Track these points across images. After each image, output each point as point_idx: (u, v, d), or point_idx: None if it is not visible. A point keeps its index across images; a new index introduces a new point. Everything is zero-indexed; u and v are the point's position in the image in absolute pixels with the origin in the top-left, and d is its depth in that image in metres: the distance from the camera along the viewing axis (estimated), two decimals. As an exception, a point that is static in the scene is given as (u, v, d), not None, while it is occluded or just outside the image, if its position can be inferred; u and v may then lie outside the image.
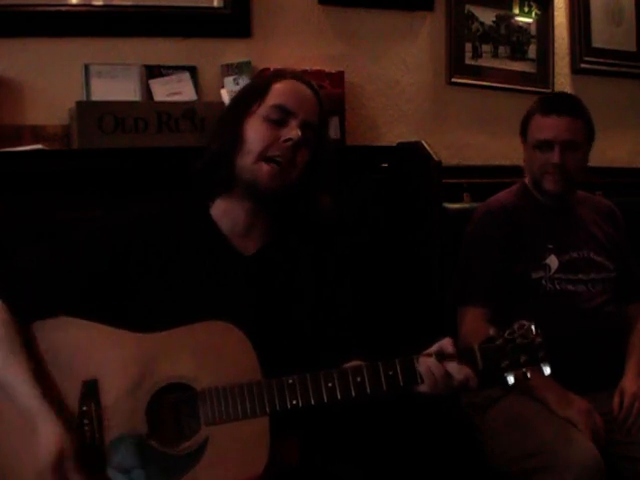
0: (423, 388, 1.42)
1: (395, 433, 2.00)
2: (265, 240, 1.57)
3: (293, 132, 1.48)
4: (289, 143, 1.48)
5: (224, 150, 1.50)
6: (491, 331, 1.46)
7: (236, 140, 1.50)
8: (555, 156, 2.06)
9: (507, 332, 1.45)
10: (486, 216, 2.15)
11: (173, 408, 1.40)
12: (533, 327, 1.45)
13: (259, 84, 1.59)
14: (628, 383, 1.99)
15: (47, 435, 1.33)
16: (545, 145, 2.09)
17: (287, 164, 1.49)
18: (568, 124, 2.08)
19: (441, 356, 1.42)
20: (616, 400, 1.96)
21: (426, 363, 1.40)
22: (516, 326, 1.46)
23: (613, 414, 1.94)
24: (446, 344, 1.43)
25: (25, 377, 1.37)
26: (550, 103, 2.15)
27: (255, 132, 1.49)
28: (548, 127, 2.09)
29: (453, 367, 1.40)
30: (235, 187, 1.52)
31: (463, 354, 1.43)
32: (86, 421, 1.37)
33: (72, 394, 1.38)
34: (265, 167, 1.47)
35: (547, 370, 1.44)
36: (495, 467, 1.93)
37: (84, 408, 1.37)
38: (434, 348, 1.44)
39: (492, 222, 2.13)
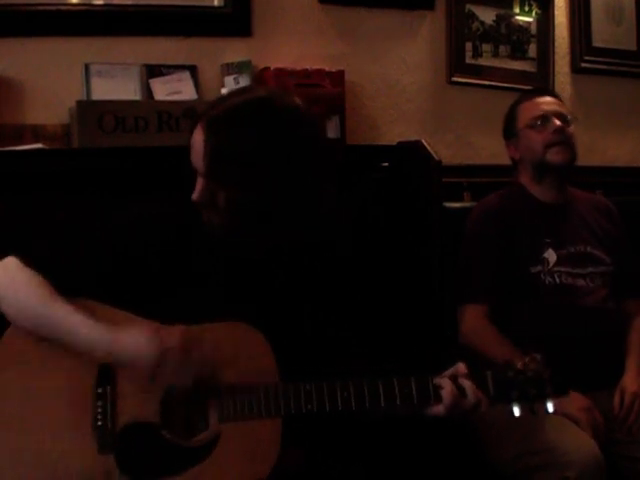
0: (439, 410, 1.43)
1: (394, 432, 2.00)
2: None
3: (195, 192, 1.46)
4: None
5: None
6: (504, 362, 1.49)
7: None
8: (555, 123, 2.13)
9: (519, 364, 1.47)
10: (482, 214, 2.17)
11: (188, 401, 1.40)
12: (543, 361, 1.48)
13: None
14: (628, 382, 1.99)
15: (135, 340, 1.34)
16: (541, 120, 2.15)
17: (207, 212, 1.46)
18: (554, 101, 2.20)
19: (455, 379, 1.44)
20: (616, 399, 1.96)
21: (444, 384, 1.43)
22: (528, 359, 1.48)
23: (613, 413, 1.95)
24: (460, 369, 1.46)
25: (76, 315, 1.38)
26: (529, 92, 2.28)
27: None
28: (538, 105, 2.18)
29: (469, 387, 1.42)
30: None
31: (476, 379, 1.45)
32: (99, 403, 1.37)
33: (88, 374, 1.39)
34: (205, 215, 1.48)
35: (550, 408, 1.46)
36: (495, 466, 1.93)
37: (99, 390, 1.38)
38: (449, 372, 1.46)
39: (489, 219, 2.14)
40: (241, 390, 1.39)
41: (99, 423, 1.36)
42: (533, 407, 1.46)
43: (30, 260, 1.44)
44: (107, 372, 1.39)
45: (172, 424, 1.39)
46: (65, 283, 1.42)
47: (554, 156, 2.13)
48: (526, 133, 2.17)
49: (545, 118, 2.14)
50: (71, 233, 1.54)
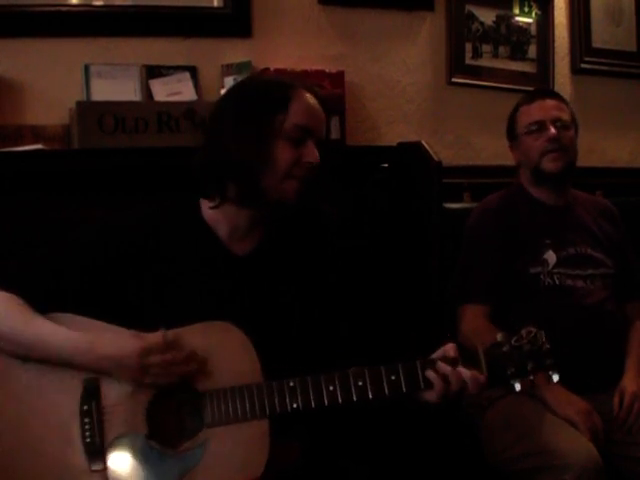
0: (430, 396, 1.41)
1: (395, 432, 2.00)
2: (259, 241, 1.56)
3: (313, 155, 1.48)
4: (310, 166, 1.48)
5: (249, 166, 1.47)
6: (498, 337, 1.44)
7: (264, 158, 1.47)
8: (550, 131, 2.11)
9: (514, 338, 1.42)
10: (483, 213, 2.18)
11: (174, 408, 1.40)
12: (542, 333, 1.43)
13: (276, 95, 1.51)
14: (628, 382, 1.99)
15: (115, 345, 1.37)
16: (537, 127, 2.14)
17: (308, 182, 1.49)
18: (554, 104, 2.17)
19: (445, 361, 1.40)
20: (616, 400, 1.96)
21: (437, 367, 1.40)
22: (524, 332, 1.43)
23: (613, 414, 1.94)
24: (449, 349, 1.42)
25: (54, 327, 1.40)
26: (532, 93, 2.25)
27: (280, 152, 1.47)
28: (536, 110, 2.16)
29: (461, 370, 1.39)
30: (256, 202, 1.50)
31: (468, 359, 1.40)
32: (87, 420, 1.37)
33: (73, 392, 1.38)
34: (292, 185, 1.48)
35: (555, 378, 1.42)
36: (495, 467, 1.93)
37: (85, 407, 1.37)
38: (438, 354, 1.43)
39: (489, 219, 2.15)
40: (224, 393, 1.38)
41: (87, 440, 1.36)
42: (533, 381, 1.40)
43: (4, 280, 1.44)
44: (91, 388, 1.38)
45: (159, 433, 1.38)
46: (40, 301, 1.43)
47: (549, 164, 2.13)
48: (524, 139, 2.18)
49: (541, 124, 2.13)
50: (64, 236, 1.53)
